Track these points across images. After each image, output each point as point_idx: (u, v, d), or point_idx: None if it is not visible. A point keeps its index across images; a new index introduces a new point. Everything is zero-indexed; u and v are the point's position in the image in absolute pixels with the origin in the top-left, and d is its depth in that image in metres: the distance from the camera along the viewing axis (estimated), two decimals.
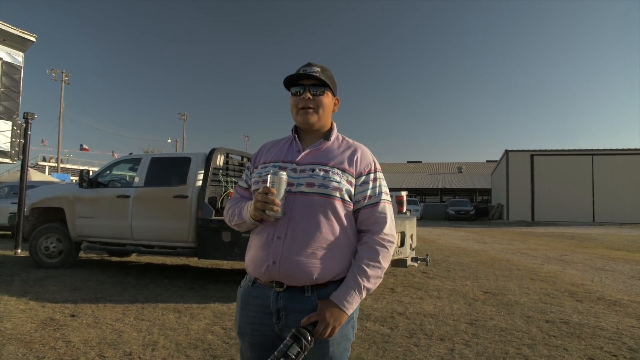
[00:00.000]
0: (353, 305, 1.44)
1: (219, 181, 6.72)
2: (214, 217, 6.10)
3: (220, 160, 6.81)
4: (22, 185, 8.52)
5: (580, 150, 30.64)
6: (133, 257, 8.97)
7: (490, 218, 34.29)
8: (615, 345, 3.89)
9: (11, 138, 4.34)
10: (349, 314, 1.44)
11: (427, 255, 6.66)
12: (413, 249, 6.82)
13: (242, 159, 7.70)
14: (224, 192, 6.69)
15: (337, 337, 1.45)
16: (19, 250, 8.74)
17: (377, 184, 1.55)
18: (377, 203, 1.53)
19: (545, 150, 31.15)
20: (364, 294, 1.46)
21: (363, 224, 1.53)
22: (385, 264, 1.50)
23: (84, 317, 4.52)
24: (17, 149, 4.43)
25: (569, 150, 30.93)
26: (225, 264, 8.01)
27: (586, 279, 7.27)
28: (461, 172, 53.51)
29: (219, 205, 6.48)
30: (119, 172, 7.70)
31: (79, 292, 5.64)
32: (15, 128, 4.35)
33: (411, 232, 6.54)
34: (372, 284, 1.47)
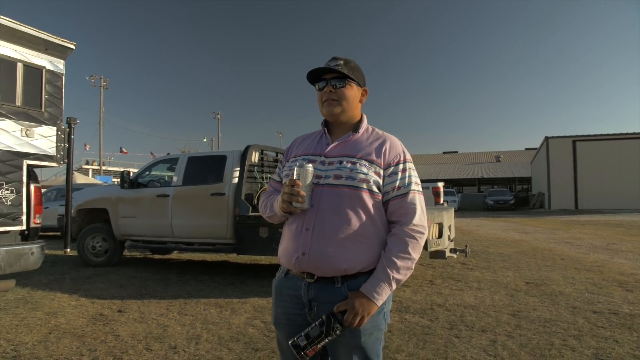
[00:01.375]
0: (383, 296, 1.45)
1: (255, 178, 6.80)
2: (251, 214, 6.19)
3: (255, 157, 6.89)
4: (68, 188, 8.91)
5: (626, 134, 29.14)
6: (174, 255, 9.23)
7: (531, 207, 33.28)
8: None
9: (56, 143, 4.54)
10: (378, 305, 1.45)
11: (466, 246, 6.54)
12: (451, 240, 6.70)
13: (277, 155, 7.77)
14: (260, 189, 6.77)
15: (368, 327, 1.46)
16: (68, 250, 9.16)
17: (407, 175, 1.54)
18: (407, 194, 1.52)
19: (588, 136, 29.85)
20: (394, 285, 1.47)
21: (393, 215, 1.53)
22: (415, 255, 1.49)
23: (131, 312, 4.69)
24: (62, 153, 4.62)
25: (614, 134, 29.49)
26: (264, 260, 8.12)
27: (636, 268, 6.95)
28: (499, 161, 52.10)
29: (256, 202, 6.57)
30: (158, 173, 7.92)
31: (125, 288, 5.86)
32: (59, 133, 4.54)
33: (449, 223, 6.43)
34: (402, 275, 1.47)
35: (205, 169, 6.93)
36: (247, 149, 6.73)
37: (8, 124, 4.07)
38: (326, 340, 1.38)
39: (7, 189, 4.00)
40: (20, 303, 5.04)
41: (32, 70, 4.28)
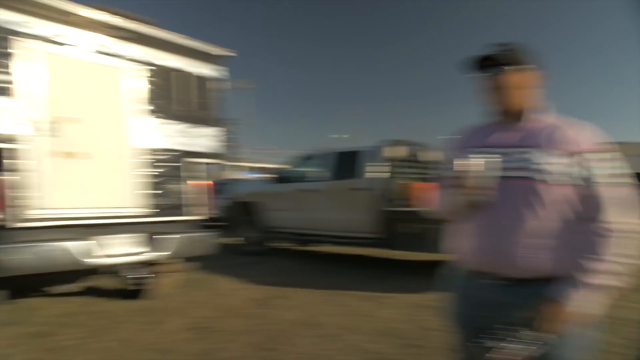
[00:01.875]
0: (574, 302, 1.27)
1: (400, 172, 6.71)
2: (398, 209, 6.12)
3: (399, 151, 6.81)
4: (227, 182, 9.88)
5: None
6: (321, 247, 9.55)
7: None
8: None
9: (222, 142, 5.07)
10: (569, 312, 1.28)
11: None
12: None
13: (421, 150, 7.54)
14: (406, 183, 6.64)
15: (562, 340, 1.29)
16: (227, 240, 10.12)
17: (597, 165, 1.35)
18: (595, 186, 1.33)
19: None
20: (589, 291, 1.28)
21: (581, 211, 1.35)
22: (611, 255, 1.29)
23: (285, 299, 4.97)
24: (228, 150, 5.18)
25: None
26: (411, 256, 7.94)
27: None
28: None
29: (402, 196, 6.46)
30: (305, 168, 8.28)
31: (277, 277, 6.22)
32: (224, 133, 5.08)
33: None
34: (599, 279, 1.28)
35: (350, 164, 7.01)
36: (391, 143, 6.69)
37: (183, 128, 4.63)
38: (513, 346, 1.26)
39: (189, 184, 4.59)
40: (197, 284, 5.67)
41: (201, 79, 4.82)
